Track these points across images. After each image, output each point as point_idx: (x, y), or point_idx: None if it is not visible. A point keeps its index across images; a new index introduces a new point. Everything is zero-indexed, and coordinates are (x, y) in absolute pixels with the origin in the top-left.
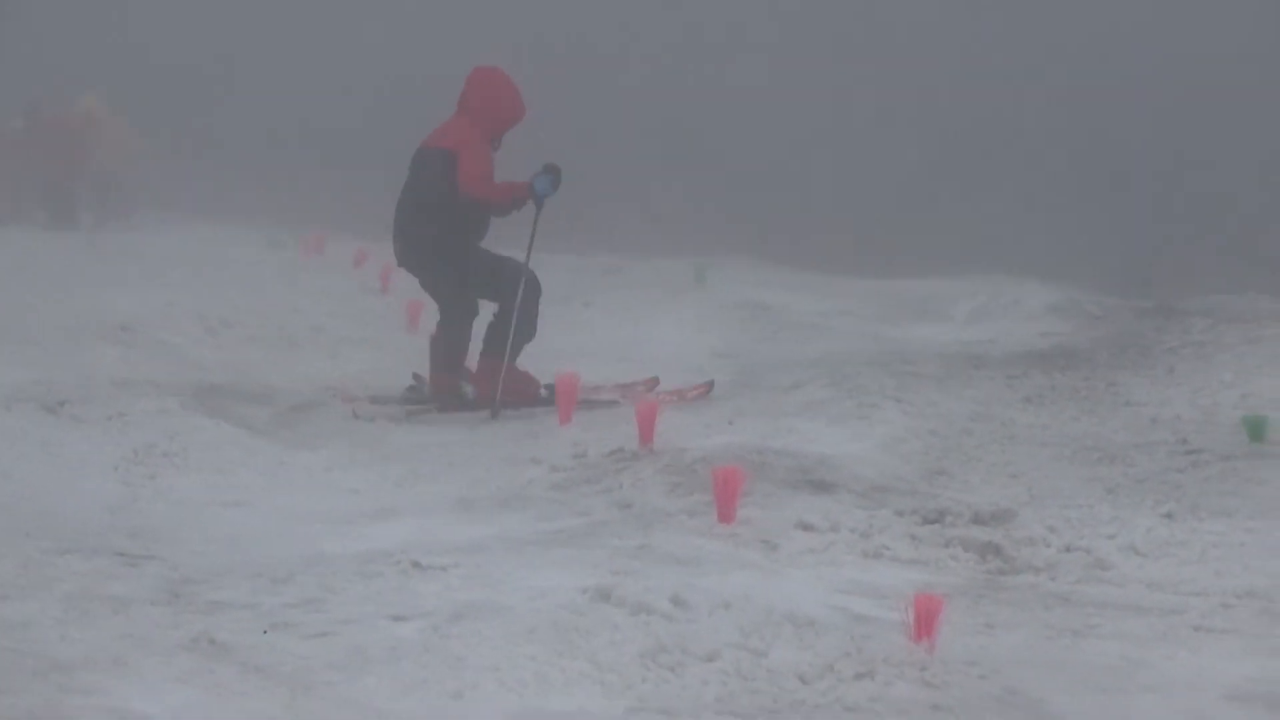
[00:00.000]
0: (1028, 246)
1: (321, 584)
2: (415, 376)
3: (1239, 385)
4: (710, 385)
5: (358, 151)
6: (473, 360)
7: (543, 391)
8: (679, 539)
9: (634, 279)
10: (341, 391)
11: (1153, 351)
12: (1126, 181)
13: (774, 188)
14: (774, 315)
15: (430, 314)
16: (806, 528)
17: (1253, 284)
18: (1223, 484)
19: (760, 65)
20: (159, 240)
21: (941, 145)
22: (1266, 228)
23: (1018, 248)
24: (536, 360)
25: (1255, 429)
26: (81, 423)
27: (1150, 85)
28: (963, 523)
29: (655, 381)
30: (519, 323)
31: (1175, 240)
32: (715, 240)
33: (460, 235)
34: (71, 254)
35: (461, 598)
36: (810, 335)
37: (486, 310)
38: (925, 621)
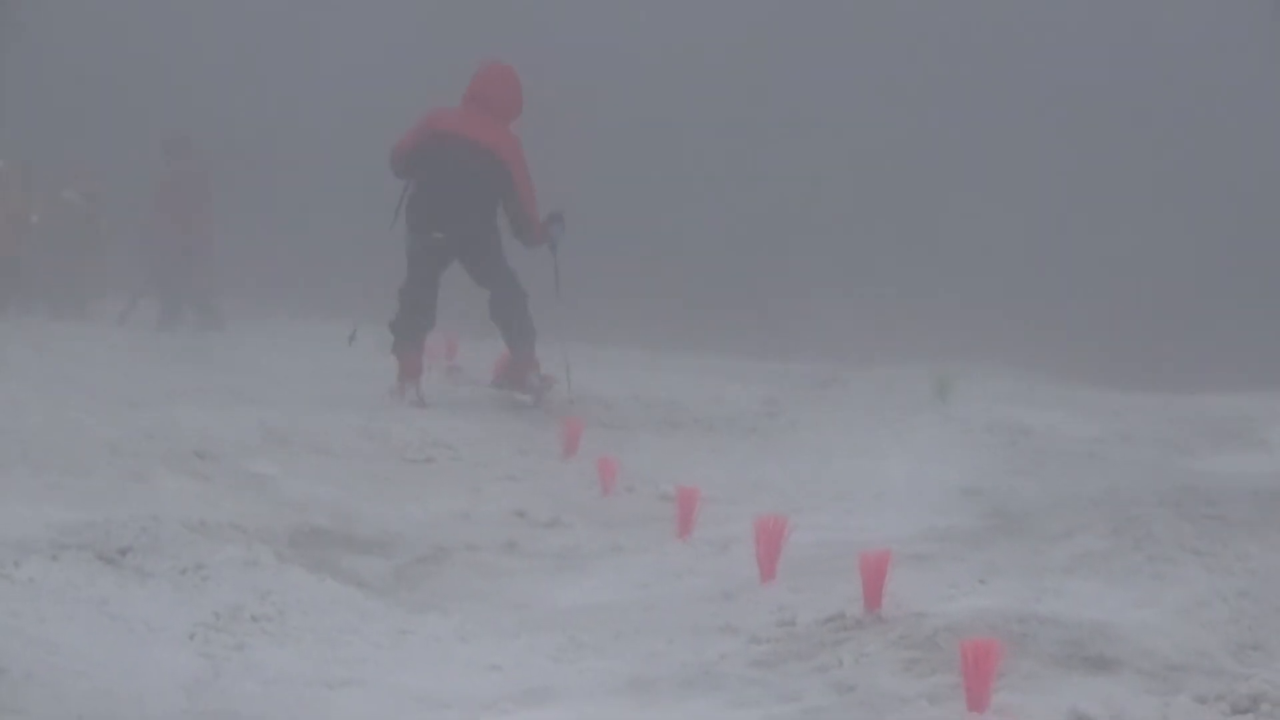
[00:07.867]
0: None
1: None
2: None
3: None
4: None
5: None
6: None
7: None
8: None
9: (855, 393)
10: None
11: None
12: None
13: (1030, 282)
14: (1036, 441)
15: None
16: (1083, 719)
17: None
18: None
19: (1022, 144)
20: (238, 342)
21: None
22: None
23: None
24: (730, 494)
25: None
26: (149, 577)
27: None
28: None
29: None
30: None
31: None
32: (955, 343)
33: (498, 234)
34: (131, 359)
35: None
36: (1083, 467)
37: None
38: None
